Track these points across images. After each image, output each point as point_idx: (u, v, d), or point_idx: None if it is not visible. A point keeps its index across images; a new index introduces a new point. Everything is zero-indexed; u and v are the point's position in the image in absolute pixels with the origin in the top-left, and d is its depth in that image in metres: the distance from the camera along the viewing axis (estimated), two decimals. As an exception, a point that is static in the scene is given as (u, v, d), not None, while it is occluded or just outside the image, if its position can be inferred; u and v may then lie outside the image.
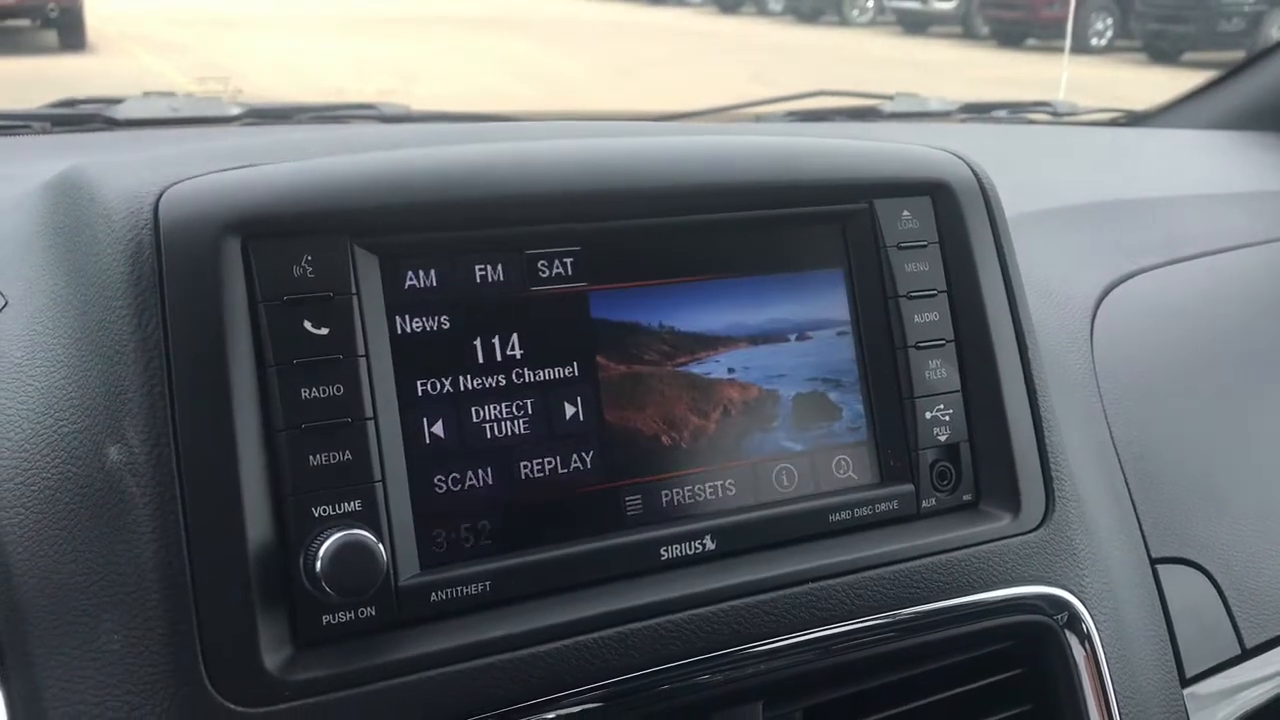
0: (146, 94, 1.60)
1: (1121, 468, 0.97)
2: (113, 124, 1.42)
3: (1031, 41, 13.64)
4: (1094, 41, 12.95)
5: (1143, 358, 1.08)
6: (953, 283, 0.82)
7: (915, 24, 15.89)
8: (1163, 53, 12.07)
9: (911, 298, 0.80)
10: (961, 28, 15.23)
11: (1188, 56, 11.67)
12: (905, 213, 0.81)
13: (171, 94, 1.61)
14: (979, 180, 0.84)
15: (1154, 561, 0.95)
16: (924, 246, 0.81)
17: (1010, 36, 13.89)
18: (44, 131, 1.39)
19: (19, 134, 1.38)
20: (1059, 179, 1.38)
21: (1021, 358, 0.82)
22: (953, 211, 0.82)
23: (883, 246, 0.80)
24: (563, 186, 0.72)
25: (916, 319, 0.80)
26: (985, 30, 14.58)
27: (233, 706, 0.60)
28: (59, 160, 0.87)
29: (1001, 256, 0.83)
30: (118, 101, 1.49)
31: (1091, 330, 1.07)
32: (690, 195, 0.75)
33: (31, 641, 0.62)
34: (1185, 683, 0.92)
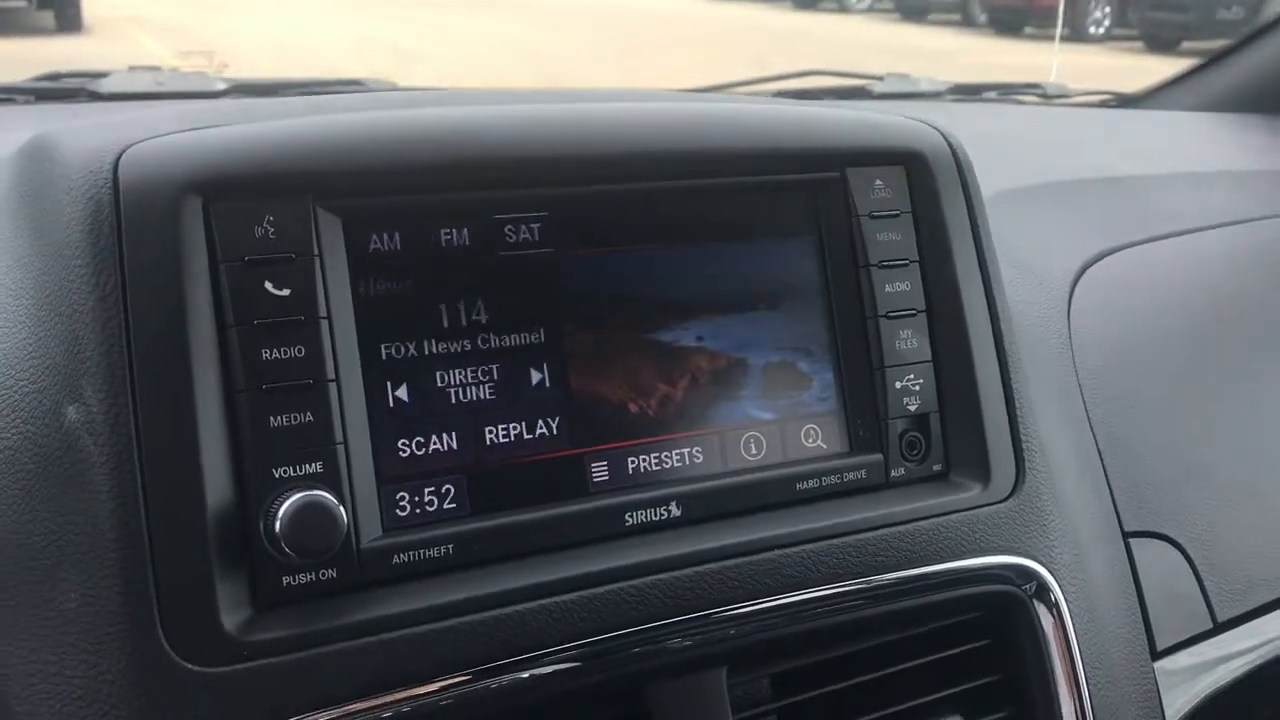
0: (131, 68, 1.60)
1: (1096, 441, 0.97)
2: (96, 97, 1.41)
3: (1029, 29, 13.61)
4: (1092, 30, 12.93)
5: (1120, 333, 1.08)
6: (925, 253, 0.82)
7: (913, 10, 15.85)
8: (1161, 41, 12.05)
9: (883, 267, 0.80)
10: (960, 15, 15.20)
11: (1186, 45, 11.65)
12: (878, 182, 0.81)
13: (156, 69, 1.60)
14: (953, 151, 0.84)
15: (1126, 535, 0.95)
16: (896, 216, 0.81)
17: (1008, 24, 13.86)
18: (27, 103, 1.38)
19: (2, 105, 1.37)
20: (1042, 157, 1.37)
21: (993, 328, 0.82)
22: (926, 182, 0.82)
23: (855, 215, 0.79)
24: (531, 150, 0.71)
25: (888, 288, 0.80)
26: (983, 18, 14.55)
27: (190, 666, 0.60)
28: (40, 130, 0.87)
29: (974, 228, 0.83)
30: (102, 75, 1.49)
31: (1069, 305, 1.06)
32: (661, 160, 0.74)
33: None
34: (1156, 655, 0.92)
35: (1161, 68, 2.08)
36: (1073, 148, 1.52)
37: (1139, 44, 12.51)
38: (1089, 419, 0.98)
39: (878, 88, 1.85)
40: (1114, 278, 1.12)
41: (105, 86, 1.44)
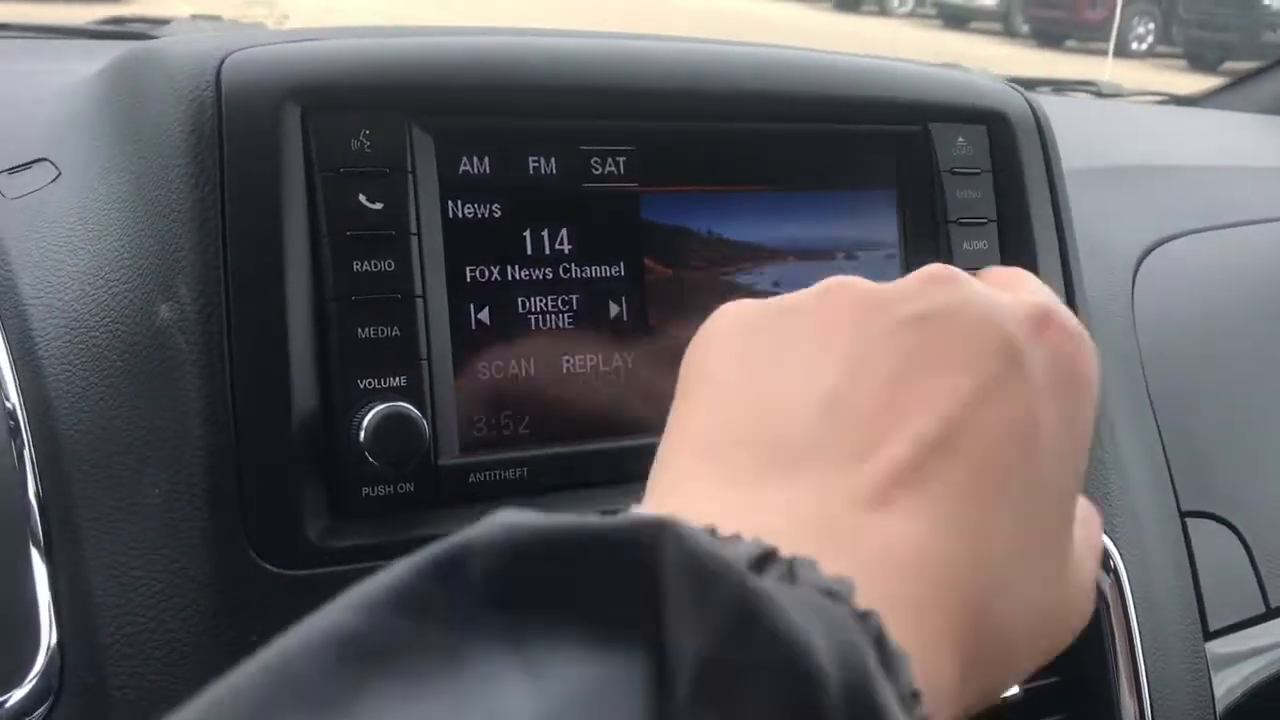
0: (194, 16, 1.61)
1: (1156, 420, 0.97)
2: None
3: (1071, 43, 13.55)
4: (1134, 45, 12.86)
5: (1182, 317, 1.08)
6: (1003, 213, 0.81)
7: (955, 18, 15.80)
8: (1203, 60, 11.97)
9: (962, 224, 0.80)
10: (1002, 25, 15.14)
11: (1227, 65, 11.57)
12: (960, 139, 0.80)
13: (217, 18, 1.62)
14: (1035, 114, 0.84)
15: (1183, 514, 0.94)
16: (977, 174, 0.81)
17: (1050, 36, 13.80)
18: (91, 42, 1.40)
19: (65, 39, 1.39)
20: (1104, 142, 1.37)
21: (1068, 293, 0.82)
22: (1007, 142, 0.82)
23: (936, 171, 0.79)
24: (622, 82, 0.72)
25: (965, 245, 0.80)
26: (1025, 29, 14.48)
27: (270, 568, 0.60)
28: (103, 63, 0.88)
29: (1053, 191, 0.83)
30: (164, 22, 1.50)
31: (1133, 286, 1.06)
32: (749, 101, 0.74)
33: (75, 499, 0.62)
34: (1208, 636, 0.92)
35: (1205, 85, 2.07)
36: (1132, 137, 1.52)
37: (1181, 62, 12.43)
38: (1150, 397, 0.98)
39: (932, 76, 1.84)
40: (1176, 263, 1.12)
41: (165, 33, 1.45)
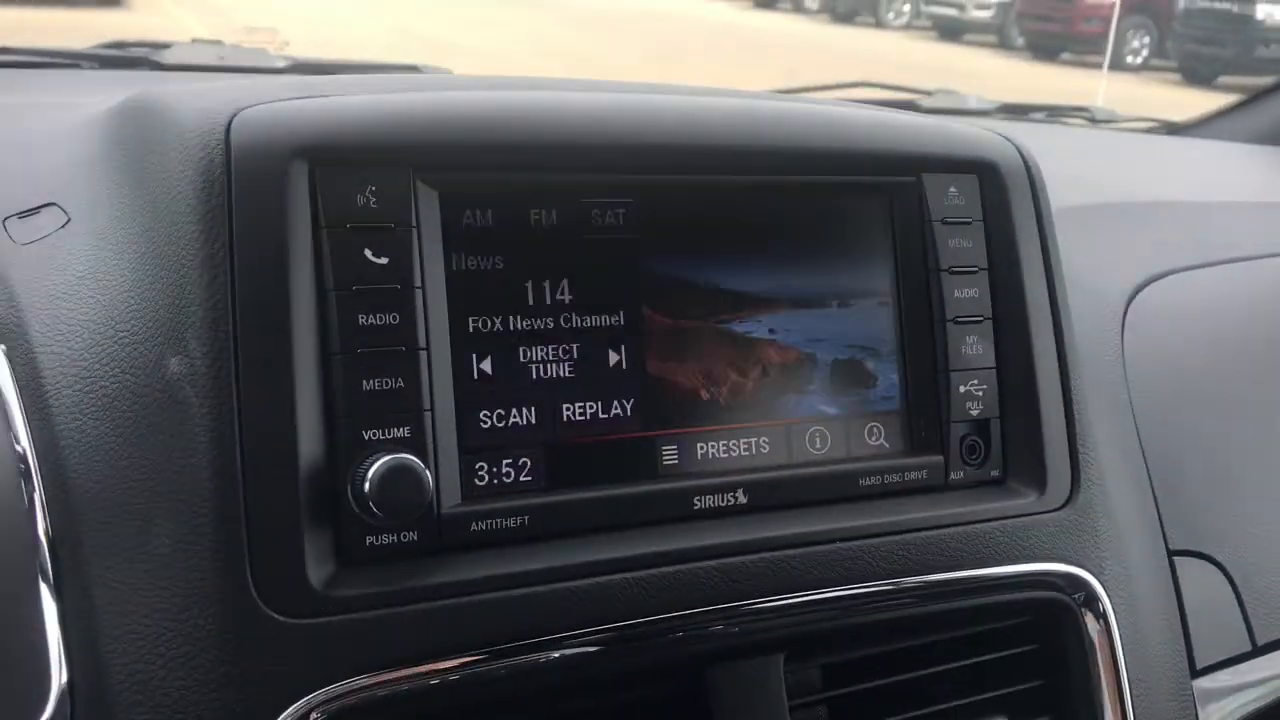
0: (194, 41, 1.62)
1: (1144, 459, 0.98)
2: (160, 67, 1.44)
3: (1066, 55, 13.59)
4: (1129, 59, 12.90)
5: (1171, 355, 1.09)
6: (994, 261, 0.83)
7: (950, 30, 15.84)
8: (1198, 74, 12.02)
9: (953, 273, 0.81)
10: (996, 37, 15.19)
11: (1223, 80, 11.62)
12: (952, 189, 0.82)
13: (219, 43, 1.63)
14: (1025, 163, 0.85)
15: (1171, 553, 0.96)
16: (968, 223, 0.82)
17: (1045, 49, 13.85)
18: (92, 69, 1.41)
19: (68, 69, 1.40)
20: (1095, 177, 1.39)
21: (1057, 340, 0.84)
22: (998, 191, 0.84)
23: (928, 220, 0.81)
24: (622, 137, 0.73)
25: (957, 294, 0.81)
26: (1020, 41, 14.53)
27: (277, 616, 0.62)
28: (111, 95, 0.89)
29: (1043, 239, 0.85)
30: (165, 47, 1.51)
31: (1122, 325, 1.08)
32: (746, 155, 0.76)
33: (84, 543, 0.64)
34: (1195, 674, 0.93)
35: (1200, 100, 2.09)
36: (1124, 171, 1.53)
37: (1176, 76, 12.47)
38: (1139, 436, 0.99)
39: (927, 103, 1.86)
40: (1167, 301, 1.13)
41: (168, 58, 1.47)
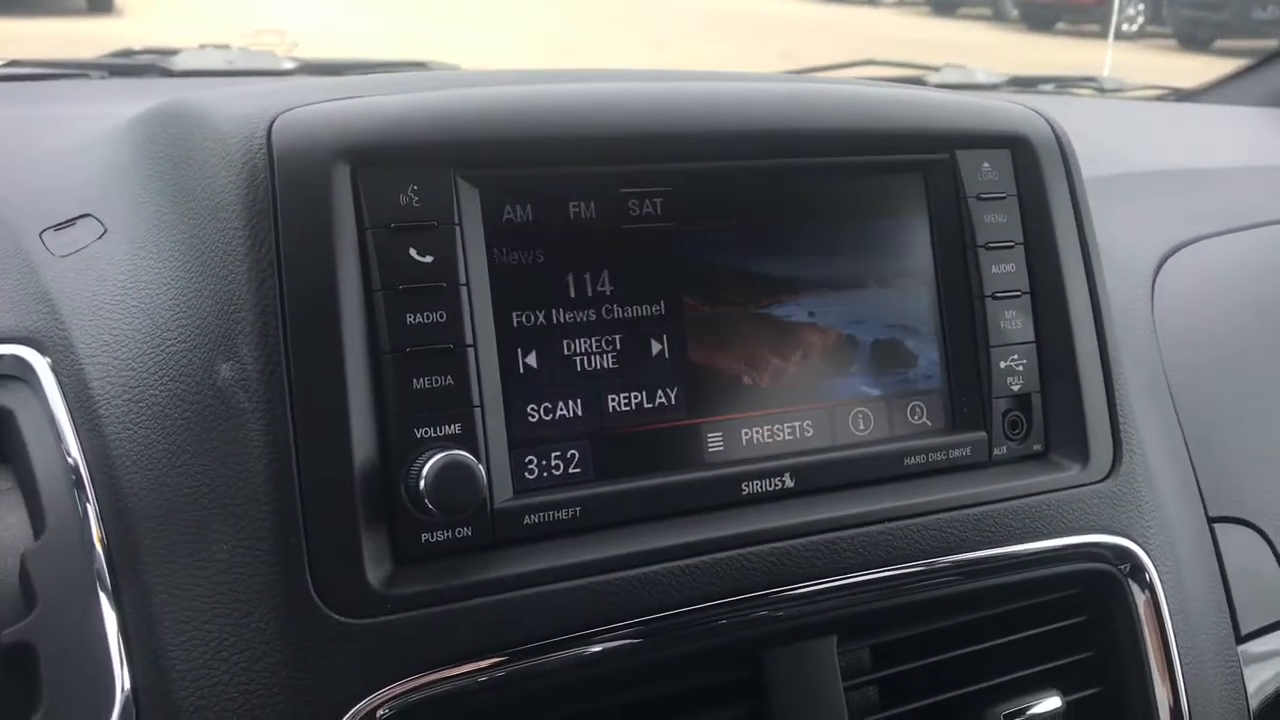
0: (202, 46, 1.62)
1: (1181, 428, 0.98)
2: (168, 74, 1.44)
3: (1061, 25, 13.54)
4: (1125, 27, 12.86)
5: (1202, 323, 1.09)
6: (1029, 236, 0.83)
7: (944, 5, 15.79)
8: (1194, 40, 11.98)
9: (990, 249, 0.81)
10: (991, 9, 15.14)
11: (1220, 44, 11.57)
12: (985, 165, 0.82)
13: (226, 47, 1.63)
14: (1057, 136, 0.85)
15: (1211, 520, 0.96)
16: (1003, 198, 0.82)
17: (1040, 20, 13.80)
18: (101, 79, 1.41)
19: (77, 79, 1.40)
20: (1111, 147, 1.38)
21: (1094, 311, 0.84)
22: (1031, 166, 0.83)
23: (963, 197, 0.81)
24: (657, 126, 0.73)
25: (994, 269, 0.81)
26: (1014, 13, 14.48)
27: (337, 617, 0.62)
28: (124, 103, 0.89)
29: (1078, 212, 0.84)
30: (174, 53, 1.51)
31: (1152, 294, 1.08)
32: (780, 139, 0.76)
33: (141, 552, 0.64)
34: (1240, 639, 0.94)
35: (1198, 66, 2.08)
36: (1140, 139, 1.53)
37: (1172, 42, 12.43)
38: (1174, 406, 0.99)
39: (935, 78, 1.86)
40: (1194, 268, 1.13)
41: (177, 64, 1.47)
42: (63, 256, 0.75)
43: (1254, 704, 0.92)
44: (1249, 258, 1.18)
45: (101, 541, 0.65)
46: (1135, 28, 13.03)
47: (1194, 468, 0.97)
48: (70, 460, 0.67)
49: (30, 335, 0.70)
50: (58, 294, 0.73)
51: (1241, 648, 0.94)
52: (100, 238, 0.75)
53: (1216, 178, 1.31)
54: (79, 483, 0.66)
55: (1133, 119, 1.70)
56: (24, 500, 0.67)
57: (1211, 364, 1.06)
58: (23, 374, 0.69)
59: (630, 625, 0.67)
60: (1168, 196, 1.23)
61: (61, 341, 0.71)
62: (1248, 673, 0.93)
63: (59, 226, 0.78)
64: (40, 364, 0.69)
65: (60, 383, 0.69)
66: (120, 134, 0.83)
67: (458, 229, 0.67)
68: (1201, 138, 1.56)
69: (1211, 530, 0.95)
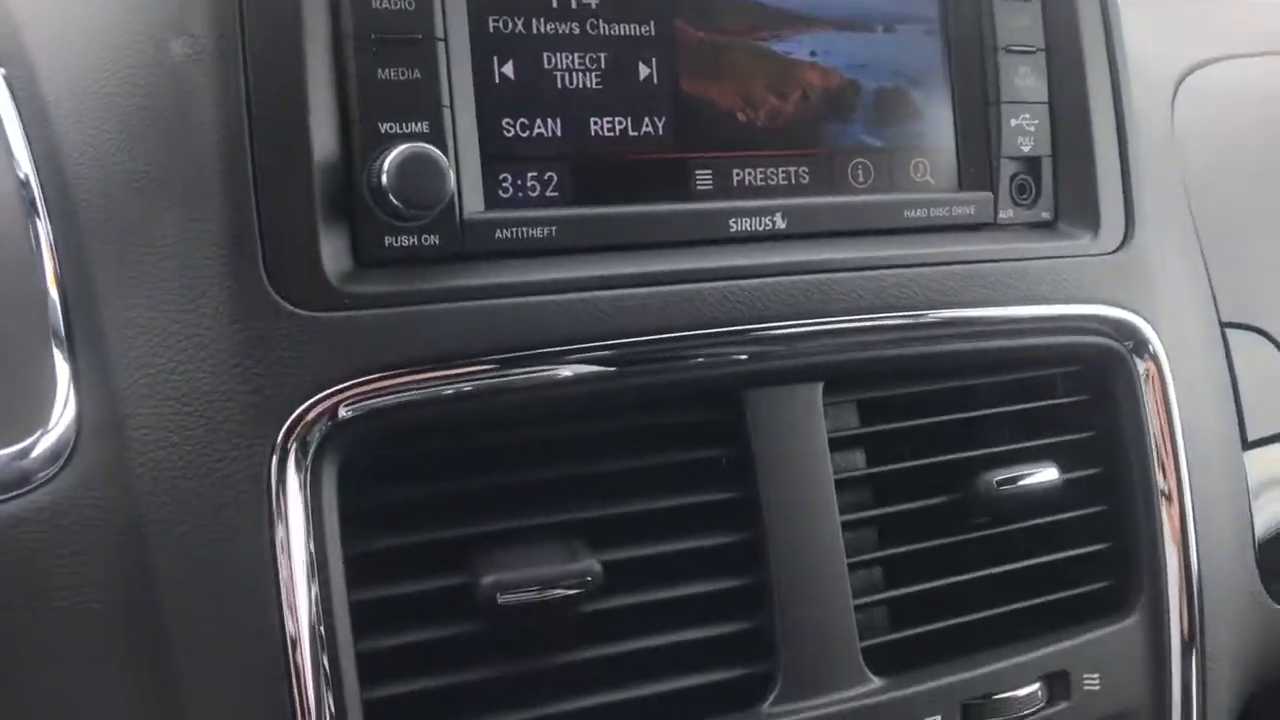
0: None
1: (1196, 232, 0.94)
2: None
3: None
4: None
5: (1222, 140, 1.04)
6: None
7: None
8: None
9: None
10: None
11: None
12: (1003, -92, 0.77)
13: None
14: None
15: (1224, 325, 0.92)
16: None
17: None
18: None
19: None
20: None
21: (1112, 74, 0.79)
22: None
23: None
24: None
25: (1009, 20, 0.76)
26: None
27: (290, 307, 0.58)
28: None
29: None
30: None
31: (1172, 106, 1.03)
32: None
33: (86, 243, 0.60)
34: (1247, 446, 0.90)
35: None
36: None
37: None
38: (1191, 213, 0.95)
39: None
40: (1215, 87, 1.08)
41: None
42: None
43: (1256, 507, 0.88)
44: (1270, 82, 1.12)
45: (47, 234, 0.61)
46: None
47: (1209, 273, 0.93)
48: (20, 175, 0.63)
49: None
50: (13, 4, 0.69)
51: (1248, 454, 0.90)
52: None
53: (1244, 7, 1.25)
54: (25, 183, 0.63)
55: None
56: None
57: (1231, 176, 1.01)
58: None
59: (605, 347, 0.63)
60: (1186, 16, 1.18)
61: (15, 51, 0.66)
62: (1253, 480, 0.89)
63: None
64: None
65: (14, 94, 0.65)
66: None
67: None
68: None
69: (1223, 333, 0.91)
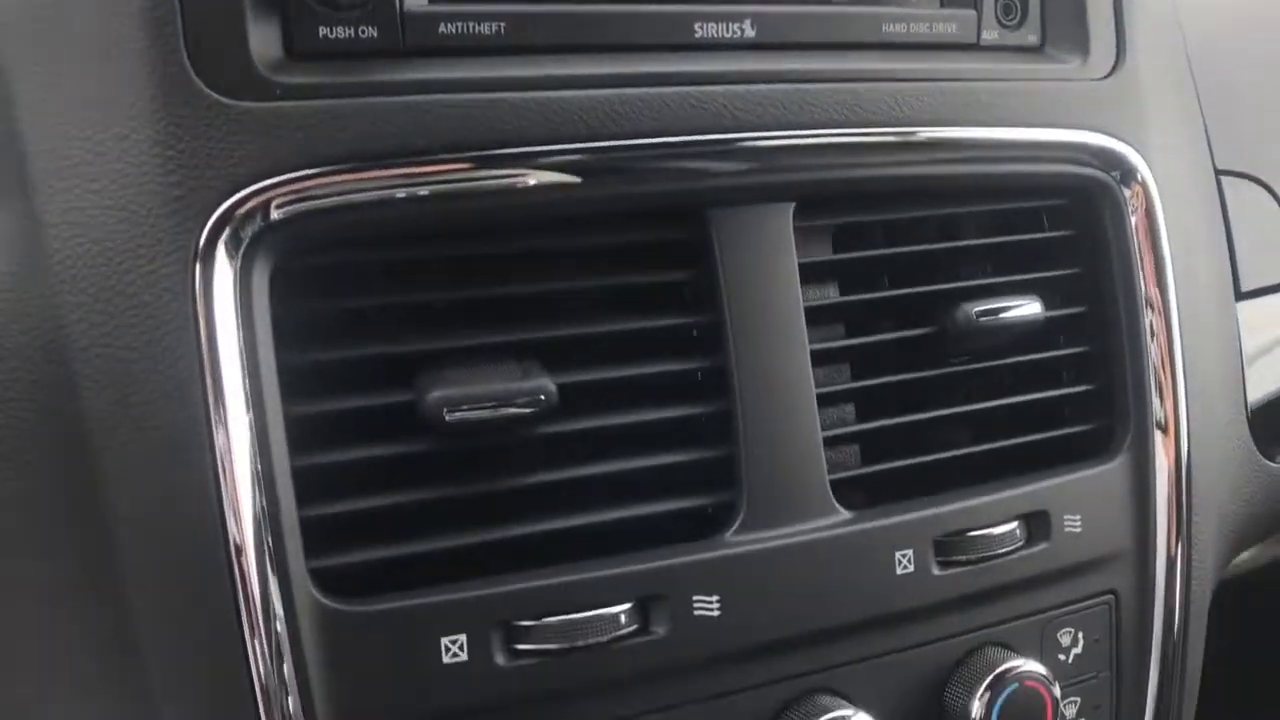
0: None
1: (1194, 81, 0.89)
2: None
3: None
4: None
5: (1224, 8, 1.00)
6: None
7: None
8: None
9: None
10: None
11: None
12: None
13: None
14: None
15: (1219, 172, 0.88)
16: None
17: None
18: None
19: None
20: None
21: None
22: None
23: None
24: None
25: None
26: None
27: (216, 95, 0.54)
28: None
29: None
30: None
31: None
32: None
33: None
34: (1240, 296, 0.86)
35: None
36: None
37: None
38: (1190, 66, 0.90)
39: None
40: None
41: None
42: None
43: (1247, 359, 0.85)
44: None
45: None
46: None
47: (1204, 119, 0.89)
48: None
49: None
50: None
51: (1240, 305, 0.86)
52: None
53: None
54: None
55: None
56: None
57: (1234, 25, 0.97)
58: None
59: (558, 151, 0.59)
60: None
61: None
62: (1245, 331, 0.86)
63: None
64: None
65: None
66: None
67: None
68: None
69: (1218, 180, 0.87)
